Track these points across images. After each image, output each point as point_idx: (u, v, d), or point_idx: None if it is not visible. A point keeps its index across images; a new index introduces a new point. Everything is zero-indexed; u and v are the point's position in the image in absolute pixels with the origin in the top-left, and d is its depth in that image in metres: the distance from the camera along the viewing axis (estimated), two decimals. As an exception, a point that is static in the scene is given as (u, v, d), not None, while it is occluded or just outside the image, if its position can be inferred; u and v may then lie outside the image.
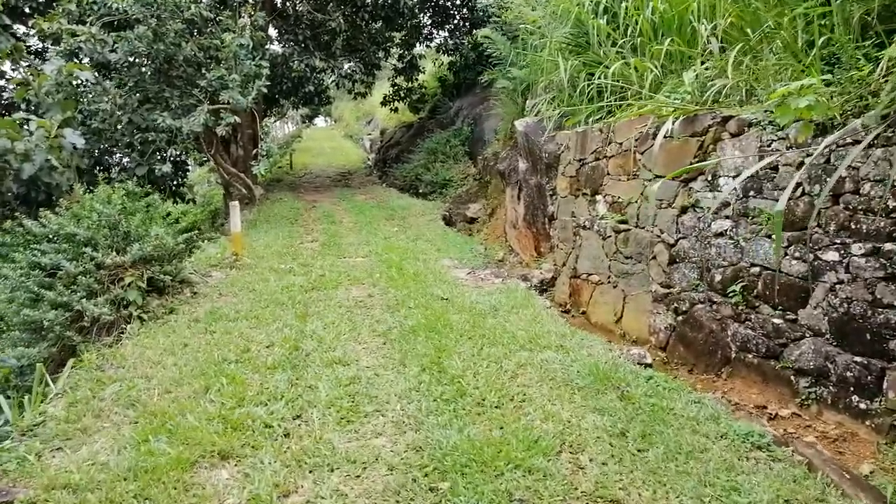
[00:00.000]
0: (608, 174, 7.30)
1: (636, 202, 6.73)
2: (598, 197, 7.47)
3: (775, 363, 4.90)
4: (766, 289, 5.03)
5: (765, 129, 5.32)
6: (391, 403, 4.13)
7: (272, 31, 17.74)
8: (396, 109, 23.31)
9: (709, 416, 3.88)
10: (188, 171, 19.40)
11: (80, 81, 10.45)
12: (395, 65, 22.65)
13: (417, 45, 21.93)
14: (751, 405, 4.76)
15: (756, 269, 5.15)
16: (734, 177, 5.55)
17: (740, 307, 5.23)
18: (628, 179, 6.93)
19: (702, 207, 5.87)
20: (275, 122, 27.40)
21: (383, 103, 23.24)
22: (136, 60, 10.60)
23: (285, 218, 12.17)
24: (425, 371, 4.59)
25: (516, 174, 9.71)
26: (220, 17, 11.52)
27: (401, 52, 21.69)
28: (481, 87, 20.63)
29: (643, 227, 6.58)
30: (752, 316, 5.12)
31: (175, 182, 17.80)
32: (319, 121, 50.81)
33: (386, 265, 8.12)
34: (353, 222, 11.73)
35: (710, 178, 5.81)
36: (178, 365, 4.86)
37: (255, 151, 11.26)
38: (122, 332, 6.04)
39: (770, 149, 5.23)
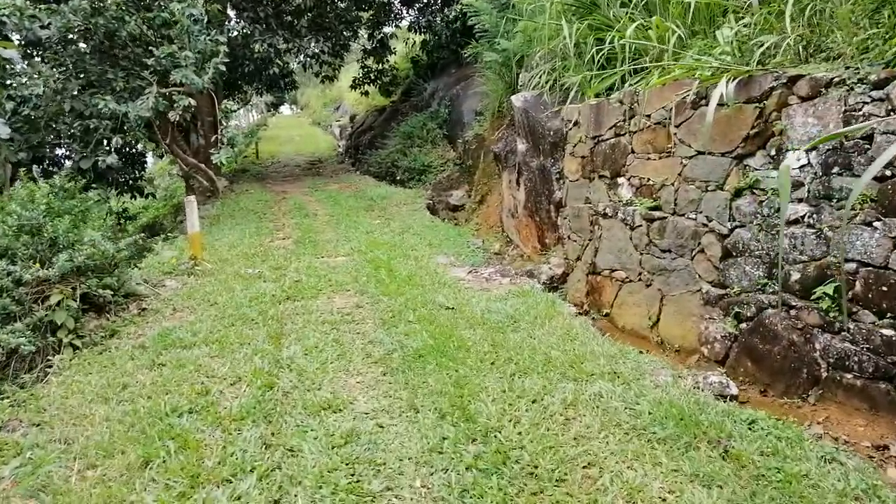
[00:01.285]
0: (633, 152, 6.14)
1: (672, 184, 5.58)
2: (621, 180, 6.30)
3: (888, 386, 3.81)
4: (868, 291, 3.92)
5: (852, 88, 4.20)
6: (406, 476, 2.91)
7: (231, 12, 16.18)
8: (367, 93, 21.88)
9: (862, 487, 2.74)
10: (146, 163, 17.84)
11: (5, 62, 8.90)
12: (364, 46, 21.19)
13: (387, 24, 20.51)
14: (863, 442, 3.67)
15: (852, 266, 4.03)
16: (809, 150, 4.43)
17: (832, 314, 4.11)
18: (660, 158, 5.77)
19: (763, 189, 4.74)
20: (238, 109, 25.74)
21: (353, 87, 21.77)
22: (73, 37, 9.07)
23: (252, 212, 10.78)
24: (446, 419, 3.37)
25: (514, 156, 8.51)
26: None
27: (370, 31, 20.25)
28: (458, 65, 19.33)
29: (683, 215, 5.44)
30: (851, 326, 4.02)
31: (132, 175, 16.27)
32: (285, 108, 48.94)
33: (373, 266, 6.86)
34: (329, 215, 10.42)
35: (773, 153, 4.68)
36: (112, 420, 3.56)
37: (214, 138, 9.82)
38: (50, 366, 4.71)
39: (860, 113, 4.11)
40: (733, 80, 4.89)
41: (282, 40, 15.05)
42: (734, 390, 3.74)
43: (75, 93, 9.13)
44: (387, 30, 20.31)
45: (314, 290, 6.08)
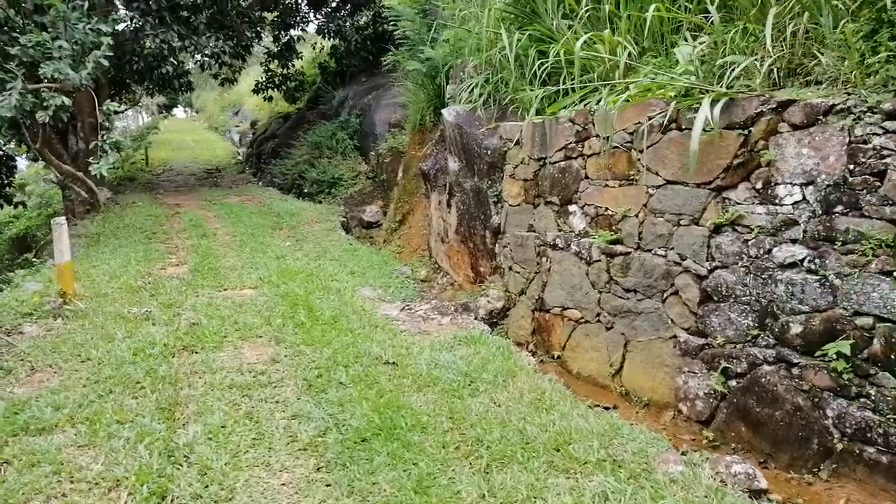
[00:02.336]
0: (587, 178, 5.45)
1: (636, 216, 4.92)
2: (573, 207, 5.60)
3: (921, 465, 3.26)
4: (890, 350, 3.37)
5: (859, 118, 3.67)
6: None
7: (118, 1, 14.39)
8: (271, 98, 20.42)
9: None
10: (14, 167, 15.60)
11: None
12: (268, 48, 19.75)
13: (293, 27, 19.20)
14: (897, 535, 3.10)
15: (867, 321, 3.47)
16: (804, 184, 3.88)
17: (846, 376, 3.54)
18: (621, 185, 5.11)
19: (747, 226, 4.15)
20: (125, 110, 23.42)
21: (255, 91, 20.24)
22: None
23: (140, 230, 9.30)
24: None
25: (445, 175, 7.67)
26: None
27: (275, 34, 18.87)
28: (370, 74, 18.38)
29: (651, 251, 4.79)
30: (870, 390, 3.45)
31: (-1, 181, 14.14)
32: (179, 112, 45.94)
33: (288, 303, 5.77)
34: (232, 235, 9.14)
35: (760, 186, 4.10)
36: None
37: (93, 144, 8.30)
38: None
39: (869, 146, 3.58)
40: (714, 103, 4.29)
41: (177, 37, 13.48)
42: (763, 483, 3.04)
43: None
44: (294, 32, 19.00)
45: (217, 338, 4.93)
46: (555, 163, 5.84)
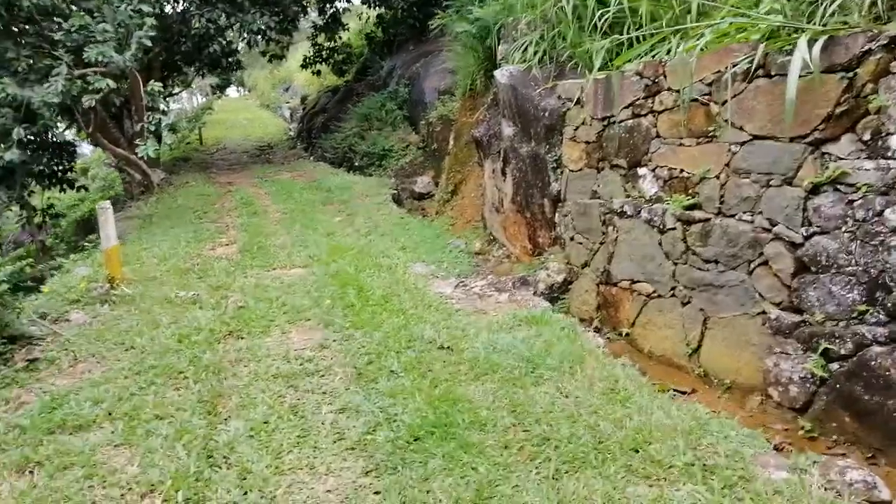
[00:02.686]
0: (658, 136, 4.89)
1: (717, 177, 4.36)
2: (643, 170, 5.06)
3: None
4: None
5: None
6: None
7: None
8: (319, 73, 20.16)
9: None
10: (75, 152, 15.89)
11: None
12: (314, 22, 19.44)
13: (338, 1, 18.80)
14: None
15: None
16: (923, 133, 3.26)
17: None
18: (698, 143, 4.54)
19: (852, 185, 3.55)
20: (178, 92, 23.63)
21: (304, 66, 20.01)
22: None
23: (192, 210, 9.20)
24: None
25: (498, 142, 7.19)
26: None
27: (321, 6, 18.50)
28: (417, 42, 17.83)
29: (735, 216, 4.23)
30: None
31: (60, 166, 14.37)
32: (232, 91, 46.44)
33: (338, 282, 5.48)
34: (282, 212, 8.93)
35: (867, 137, 3.49)
36: None
37: (140, 126, 8.17)
38: None
39: None
40: (812, 42, 3.67)
41: (223, 15, 13.29)
42: (885, 493, 2.54)
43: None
44: (339, 4, 18.60)
45: (264, 322, 4.68)
46: (621, 122, 5.29)
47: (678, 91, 4.66)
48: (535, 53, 6.87)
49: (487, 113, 7.38)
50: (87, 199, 19.96)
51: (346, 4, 18.91)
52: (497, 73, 6.94)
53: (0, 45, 7.37)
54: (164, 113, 7.83)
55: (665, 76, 4.79)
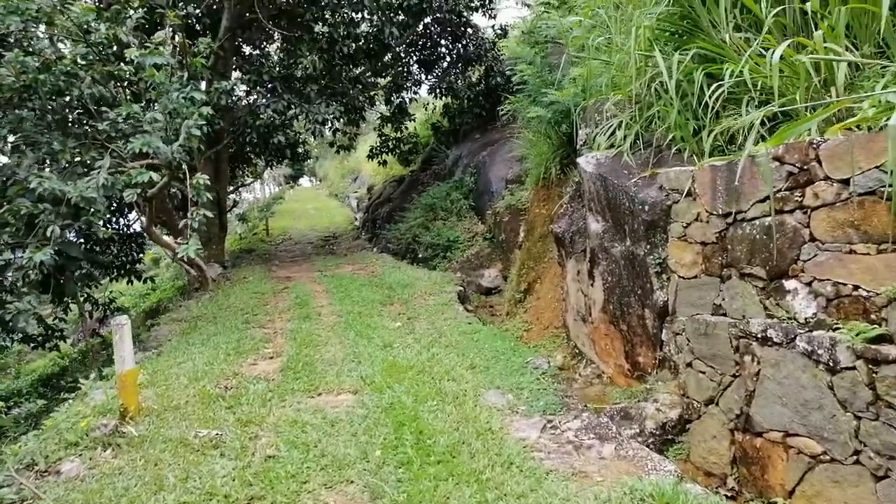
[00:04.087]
0: (813, 240, 3.62)
1: (921, 300, 3.03)
2: (792, 283, 3.76)
3: None
4: None
5: None
6: None
7: (235, 74, 14.30)
8: (385, 163, 19.78)
9: None
10: (143, 243, 15.70)
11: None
12: (381, 113, 19.26)
13: (405, 90, 18.59)
14: None
15: None
16: None
17: None
18: (880, 251, 3.25)
19: None
20: (250, 183, 23.84)
21: (370, 156, 19.69)
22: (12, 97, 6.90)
23: (241, 311, 8.32)
24: None
25: (583, 239, 6.03)
26: (147, 43, 7.89)
27: (387, 97, 18.32)
28: (483, 130, 17.25)
29: (959, 358, 2.86)
30: None
31: (129, 258, 14.09)
32: (305, 181, 47.63)
33: (393, 419, 4.29)
34: (337, 314, 7.91)
35: None
36: None
37: (182, 223, 7.44)
38: None
39: None
40: None
41: (287, 105, 13.03)
42: None
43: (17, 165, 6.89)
44: (406, 95, 18.38)
45: (295, 483, 3.51)
46: (753, 219, 4.06)
47: (842, 181, 3.43)
48: (625, 137, 5.79)
49: (569, 205, 6.27)
50: (158, 289, 19.82)
51: (412, 95, 18.65)
52: (581, 160, 5.87)
53: (47, 136, 6.87)
54: (197, 206, 7.01)
55: (819, 162, 3.57)
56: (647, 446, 4.42)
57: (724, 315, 4.31)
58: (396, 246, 15.44)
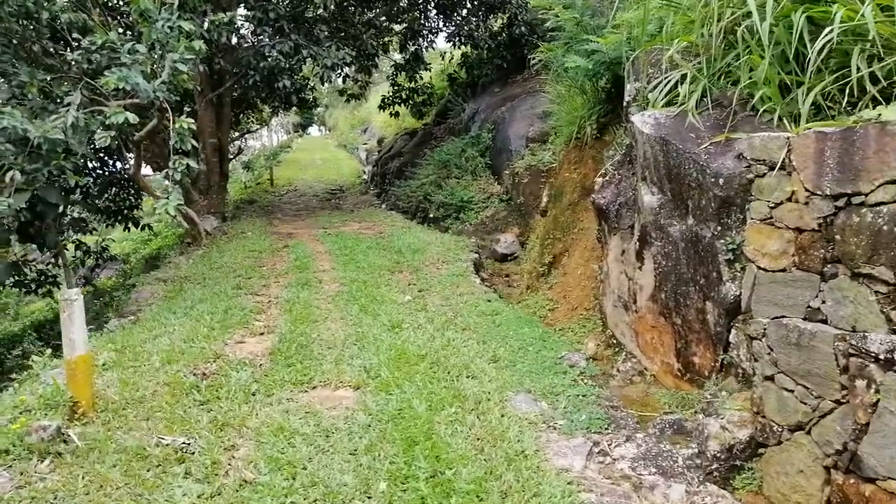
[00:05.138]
0: (978, 239, 2.66)
1: None
2: (939, 294, 2.82)
3: None
4: None
5: None
6: None
7: (241, 10, 13.08)
8: (397, 114, 18.56)
9: None
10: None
11: None
12: (394, 61, 17.99)
13: (421, 37, 17.25)
14: None
15: None
16: None
17: None
18: None
19: None
20: (256, 130, 22.70)
21: (381, 107, 18.45)
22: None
23: (234, 273, 7.42)
24: None
25: (632, 213, 5.05)
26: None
27: (402, 43, 17.02)
28: (503, 84, 16.02)
29: None
30: None
31: (125, 203, 13.14)
32: (314, 130, 46.29)
33: (402, 435, 3.41)
34: (340, 282, 7.01)
35: None
36: None
37: (163, 174, 6.38)
38: None
39: None
40: None
41: (296, 48, 11.86)
42: None
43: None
44: (422, 42, 17.08)
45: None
46: (877, 205, 3.08)
47: None
48: (691, 94, 4.75)
49: (616, 172, 5.27)
50: (159, 235, 18.93)
51: (429, 43, 17.33)
52: (637, 119, 4.83)
53: (11, 65, 5.84)
54: (187, 155, 6.03)
55: None
56: (710, 474, 3.57)
57: (825, 322, 3.38)
58: (406, 204, 14.46)
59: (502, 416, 3.73)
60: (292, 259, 8.26)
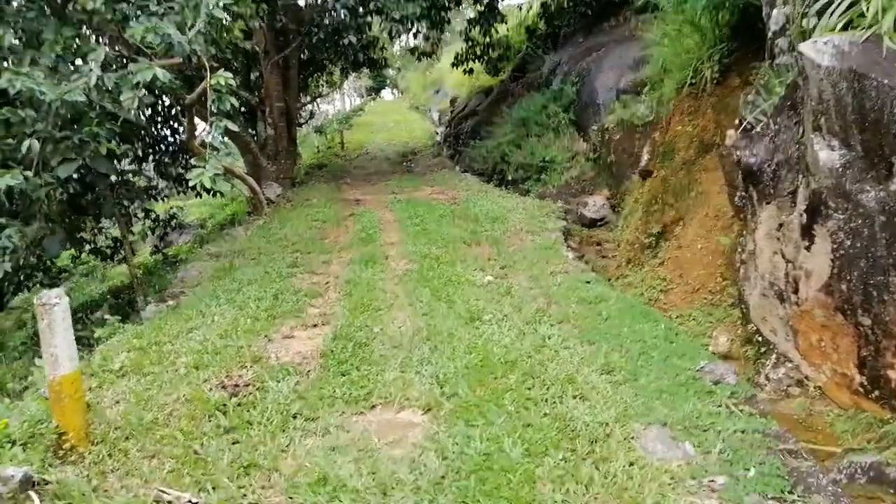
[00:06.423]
0: None
1: None
2: None
3: None
4: None
5: None
6: None
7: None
8: (472, 71, 17.10)
9: None
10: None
11: None
12: (468, 16, 16.52)
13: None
14: None
15: None
16: None
17: None
18: None
19: None
20: (328, 93, 21.88)
21: (454, 64, 17.03)
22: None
23: (292, 247, 6.50)
24: None
25: (794, 174, 3.65)
26: None
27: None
28: (587, 33, 14.31)
29: None
30: None
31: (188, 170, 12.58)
32: (387, 94, 45.28)
33: (488, 498, 2.33)
34: (409, 259, 5.94)
35: None
36: None
37: (199, 141, 5.38)
38: None
39: None
40: None
41: (362, 1, 10.72)
42: None
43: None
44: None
45: None
46: None
47: None
48: (884, 11, 3.28)
49: (772, 121, 3.84)
50: (236, 200, 18.59)
51: (503, -7, 15.73)
52: (807, 48, 3.38)
53: (33, 22, 4.99)
54: (229, 117, 5.02)
55: None
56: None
57: None
58: (482, 165, 13.24)
59: (630, 465, 2.56)
60: (358, 229, 7.27)
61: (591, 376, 3.34)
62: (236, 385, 3.37)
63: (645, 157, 7.82)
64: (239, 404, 3.16)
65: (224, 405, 3.13)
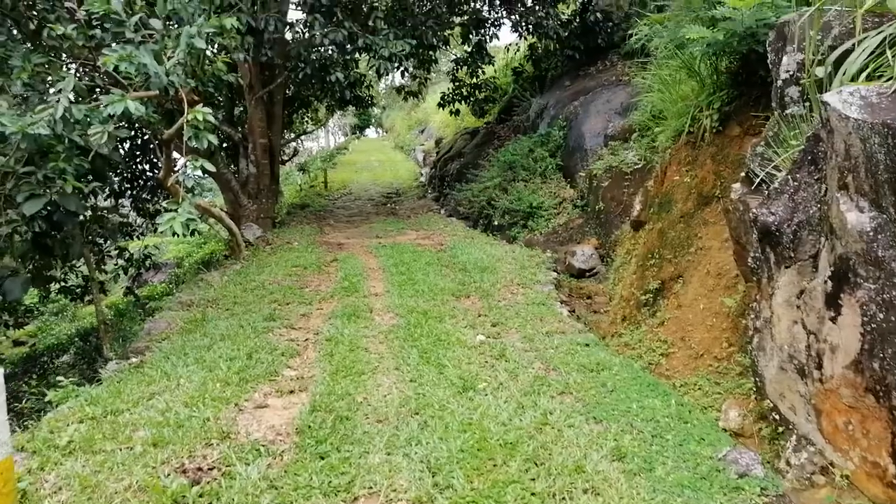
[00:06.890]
0: None
1: None
2: None
3: None
4: None
5: None
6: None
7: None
8: (458, 112, 17.04)
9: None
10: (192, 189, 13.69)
11: None
12: (455, 55, 16.53)
13: (485, 28, 15.71)
14: None
15: None
16: None
17: None
18: None
19: None
20: (312, 131, 21.65)
21: (441, 104, 16.98)
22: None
23: (269, 297, 6.10)
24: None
25: (819, 238, 3.40)
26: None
27: (464, 34, 15.53)
28: (575, 77, 14.32)
29: None
30: None
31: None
32: (371, 132, 45.41)
33: None
34: (395, 312, 5.57)
35: None
36: None
37: (172, 180, 5.02)
38: None
39: None
40: None
41: (351, 37, 10.54)
42: None
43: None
44: (486, 32, 15.56)
45: None
46: None
47: None
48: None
49: (792, 177, 3.61)
50: (212, 239, 18.12)
51: (492, 34, 15.77)
52: (833, 97, 3.16)
53: (1, 47, 4.63)
54: (209, 155, 4.69)
55: None
56: None
57: None
58: (468, 209, 12.99)
59: None
60: (341, 277, 6.89)
61: (601, 464, 2.97)
62: (199, 469, 2.94)
63: (637, 206, 7.61)
64: (200, 495, 2.73)
65: (183, 496, 2.70)
